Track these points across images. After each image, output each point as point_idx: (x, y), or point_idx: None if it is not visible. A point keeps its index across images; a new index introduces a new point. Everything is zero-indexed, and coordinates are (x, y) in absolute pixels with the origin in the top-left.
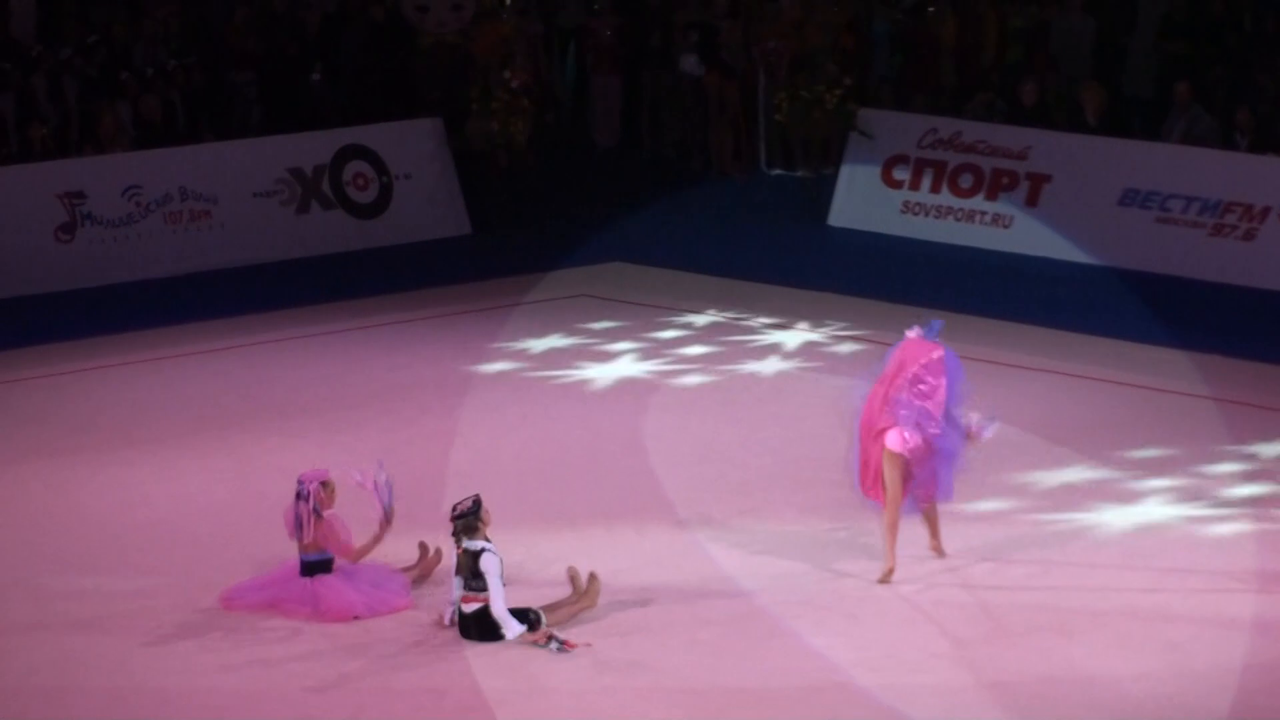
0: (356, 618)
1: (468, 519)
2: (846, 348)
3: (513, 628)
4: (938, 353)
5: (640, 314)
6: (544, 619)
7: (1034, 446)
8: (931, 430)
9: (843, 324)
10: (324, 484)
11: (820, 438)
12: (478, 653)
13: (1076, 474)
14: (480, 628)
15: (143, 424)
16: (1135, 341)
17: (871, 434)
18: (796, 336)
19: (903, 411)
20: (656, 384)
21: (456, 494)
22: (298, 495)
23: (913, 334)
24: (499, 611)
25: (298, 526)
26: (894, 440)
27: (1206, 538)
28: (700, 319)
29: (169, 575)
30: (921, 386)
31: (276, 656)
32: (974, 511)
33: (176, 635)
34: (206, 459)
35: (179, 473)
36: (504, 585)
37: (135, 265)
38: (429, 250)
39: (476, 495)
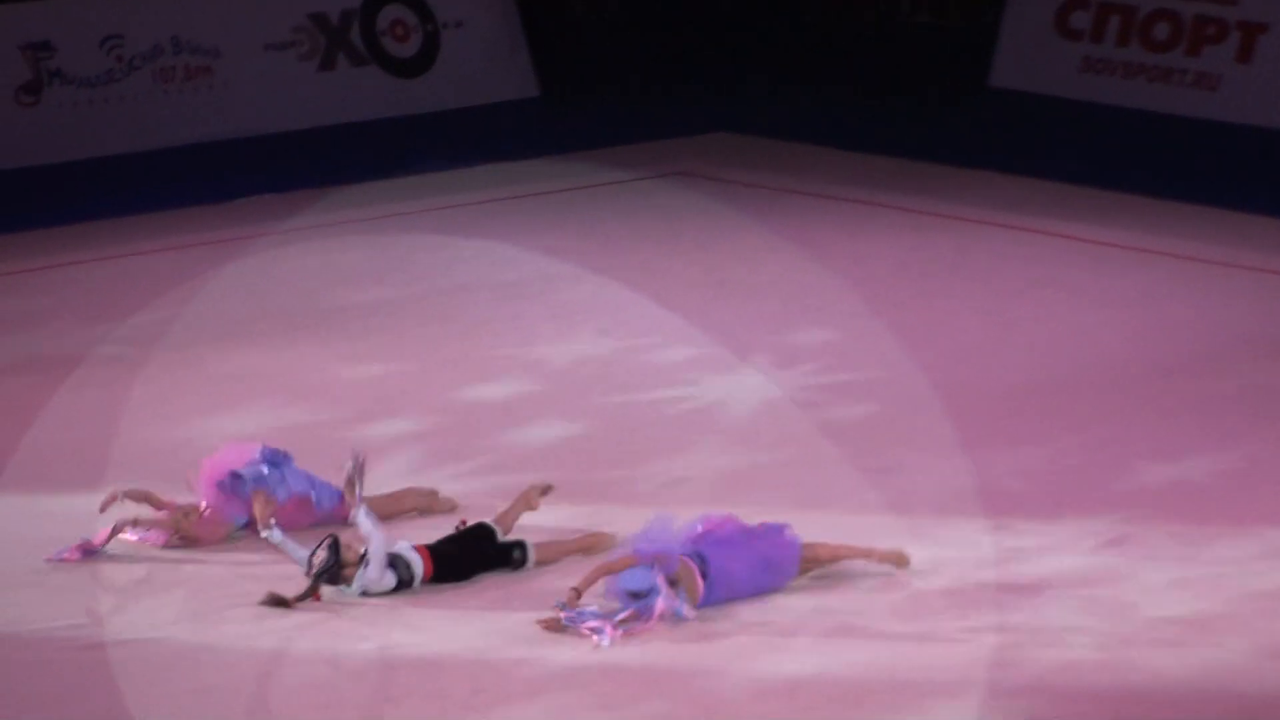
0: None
1: (331, 568)
2: (1011, 242)
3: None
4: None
5: (751, 197)
6: (531, 553)
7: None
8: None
9: (1007, 212)
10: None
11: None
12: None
13: None
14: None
15: (131, 334)
16: None
17: None
18: (947, 227)
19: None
20: (768, 292)
21: (497, 428)
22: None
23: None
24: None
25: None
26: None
27: None
28: (825, 205)
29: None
30: None
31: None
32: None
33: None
34: (205, 374)
35: (163, 392)
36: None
37: (116, 135)
38: (485, 116)
39: (333, 536)
